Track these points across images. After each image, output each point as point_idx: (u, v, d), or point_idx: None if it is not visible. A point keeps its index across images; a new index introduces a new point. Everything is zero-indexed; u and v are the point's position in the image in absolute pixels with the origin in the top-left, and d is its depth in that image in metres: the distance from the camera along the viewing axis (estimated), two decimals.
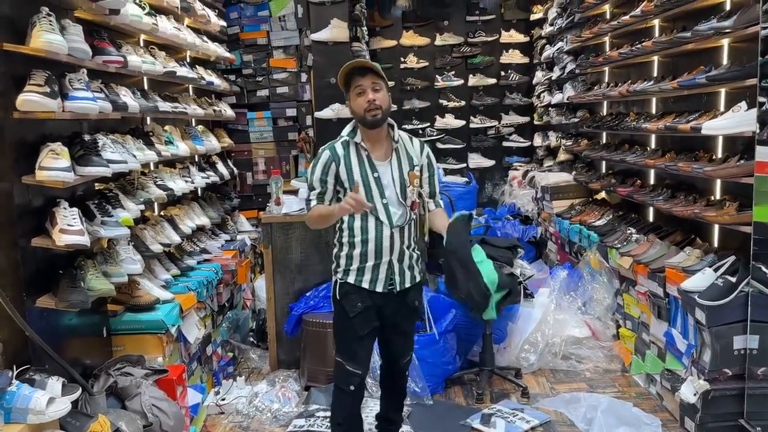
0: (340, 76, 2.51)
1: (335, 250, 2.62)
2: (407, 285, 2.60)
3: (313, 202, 2.57)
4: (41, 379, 2.22)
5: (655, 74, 4.10)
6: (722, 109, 3.34)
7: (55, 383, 2.23)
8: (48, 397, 2.12)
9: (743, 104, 2.96)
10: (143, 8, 3.25)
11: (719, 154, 3.37)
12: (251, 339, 4.37)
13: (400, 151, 2.58)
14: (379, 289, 2.55)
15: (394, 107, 6.67)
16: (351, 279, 2.55)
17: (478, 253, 2.87)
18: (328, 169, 2.53)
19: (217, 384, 3.71)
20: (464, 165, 6.81)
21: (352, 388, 2.60)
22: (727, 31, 3.01)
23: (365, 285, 2.55)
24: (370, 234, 2.52)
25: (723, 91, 3.39)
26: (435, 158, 2.76)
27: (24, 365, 2.25)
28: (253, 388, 3.59)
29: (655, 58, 4.11)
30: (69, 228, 2.37)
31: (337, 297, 2.59)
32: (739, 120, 2.94)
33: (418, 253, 2.66)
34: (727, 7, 3.23)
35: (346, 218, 2.54)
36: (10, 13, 2.35)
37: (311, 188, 2.57)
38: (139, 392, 2.59)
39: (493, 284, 3.14)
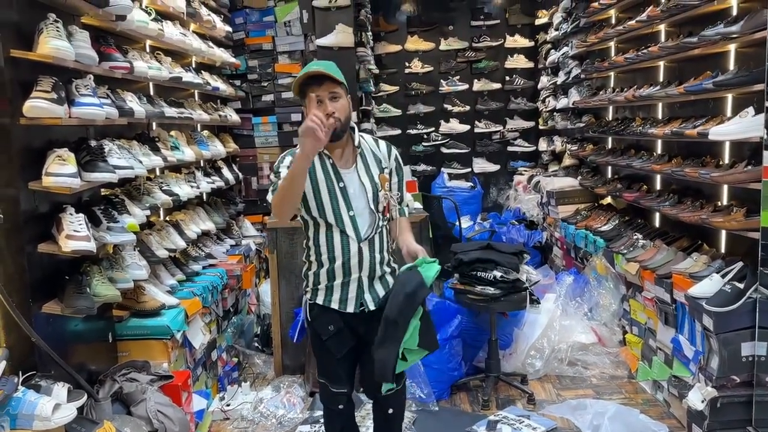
0: (294, 86, 2.27)
1: (304, 269, 2.42)
2: (380, 301, 2.35)
3: (275, 185, 2.29)
4: (47, 385, 2.22)
5: (661, 79, 4.08)
6: (729, 114, 3.33)
7: (60, 389, 2.23)
8: (54, 404, 2.12)
9: (750, 109, 2.95)
10: (149, 14, 3.26)
11: (726, 160, 3.36)
12: (256, 344, 4.36)
13: (365, 155, 2.35)
14: (350, 309, 2.34)
15: (398, 112, 6.72)
16: (320, 299, 2.36)
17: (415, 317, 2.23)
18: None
19: (222, 389, 3.70)
20: (469, 170, 6.82)
21: (340, 407, 2.48)
22: (734, 36, 3.00)
23: (334, 305, 2.34)
24: (336, 251, 2.30)
25: (730, 96, 3.37)
26: (403, 162, 2.53)
27: (30, 371, 2.25)
28: (258, 394, 3.58)
29: (661, 64, 4.10)
30: (75, 234, 2.37)
31: (308, 319, 2.41)
32: (746, 125, 2.93)
33: (395, 265, 2.43)
34: (734, 12, 3.22)
35: (311, 234, 2.35)
36: (18, 20, 2.36)
37: (276, 175, 2.29)
38: (144, 398, 2.59)
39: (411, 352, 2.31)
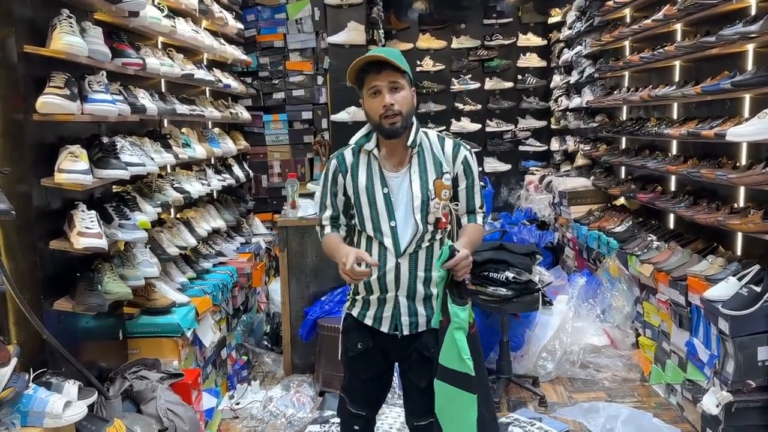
0: (350, 73, 2.02)
1: None
2: (420, 329, 2.10)
3: (327, 229, 2.16)
4: (58, 382, 2.21)
5: (677, 79, 4.03)
6: (747, 115, 3.28)
7: (71, 387, 2.22)
8: (64, 401, 2.11)
9: None
10: (162, 10, 3.25)
11: (743, 161, 3.31)
12: (265, 343, 4.35)
13: (423, 156, 2.07)
14: (384, 329, 2.10)
15: None
16: (355, 311, 2.15)
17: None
18: (336, 180, 2.12)
19: (232, 388, 3.69)
20: (480, 169, 6.76)
21: (356, 428, 2.23)
22: (753, 35, 2.95)
23: (368, 321, 2.12)
24: None
25: (747, 96, 3.32)
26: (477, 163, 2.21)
27: (41, 368, 2.24)
28: (267, 393, 3.57)
29: (677, 63, 4.05)
30: (87, 231, 2.36)
31: (341, 329, 2.23)
32: (765, 126, 2.88)
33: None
34: (753, 11, 3.16)
35: (355, 237, 2.17)
36: (31, 15, 2.35)
37: (322, 208, 2.19)
38: (154, 396, 2.58)
39: None
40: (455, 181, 2.10)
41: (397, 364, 2.26)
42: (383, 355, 2.14)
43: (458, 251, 1.91)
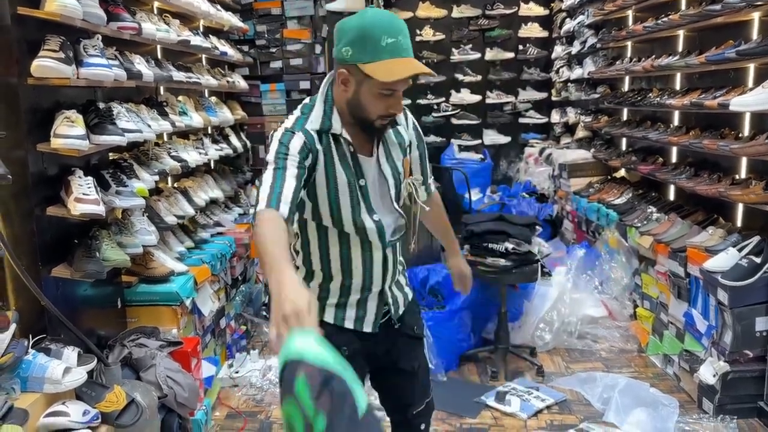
0: (371, 59, 1.58)
1: (300, 275, 1.81)
2: (401, 310, 1.91)
3: (264, 212, 1.52)
4: (57, 348, 2.21)
5: (681, 49, 3.98)
6: (751, 85, 3.25)
7: (71, 353, 2.22)
8: (64, 367, 2.11)
9: None
10: None
11: (746, 132, 3.29)
12: (264, 313, 4.35)
13: (387, 136, 1.80)
14: (368, 329, 1.84)
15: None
16: (329, 317, 1.81)
17: None
18: (306, 157, 1.64)
19: (231, 357, 3.71)
20: (479, 141, 6.72)
21: None
22: (759, 3, 2.90)
23: (348, 324, 1.82)
24: (354, 261, 1.78)
25: (752, 66, 3.29)
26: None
27: (40, 335, 2.24)
28: (266, 362, 3.59)
29: (681, 33, 4.00)
30: (84, 197, 2.34)
31: None
32: None
33: (404, 263, 1.96)
34: None
35: (311, 237, 1.77)
36: None
37: (274, 180, 1.57)
38: (153, 364, 2.58)
39: None
40: (409, 149, 1.87)
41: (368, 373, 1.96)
42: (367, 355, 1.86)
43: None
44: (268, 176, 1.58)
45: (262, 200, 1.54)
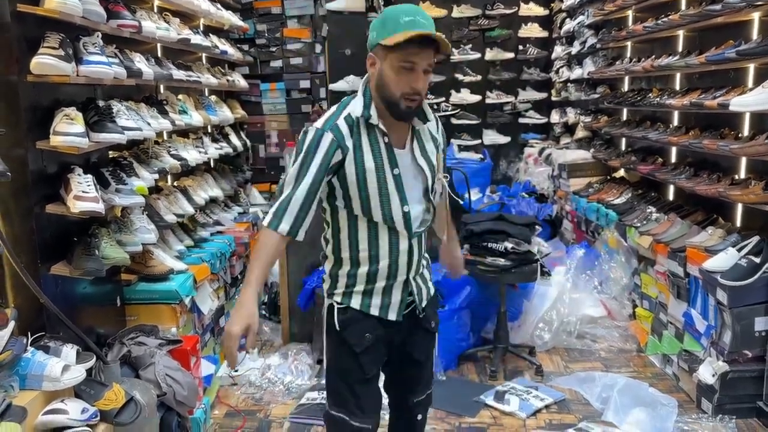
0: (389, 34, 1.67)
1: (328, 267, 1.93)
2: (424, 303, 1.97)
3: (282, 225, 1.76)
4: (56, 346, 2.20)
5: (680, 49, 3.98)
6: (751, 85, 3.25)
7: (69, 351, 2.21)
8: (63, 365, 2.11)
9: None
10: None
11: (746, 132, 3.29)
12: (263, 312, 4.35)
13: (420, 129, 1.88)
14: (392, 316, 1.90)
15: None
16: (355, 303, 1.88)
17: None
18: (331, 159, 1.76)
19: None
20: (479, 141, 6.71)
21: None
22: (759, 3, 2.91)
23: (374, 311, 1.88)
24: (381, 249, 1.85)
25: (752, 66, 3.29)
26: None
27: (38, 332, 2.23)
28: (265, 361, 3.58)
29: (681, 33, 4.00)
30: (84, 195, 2.33)
31: (337, 327, 1.89)
32: None
33: (429, 259, 2.04)
34: None
35: (342, 225, 1.86)
36: None
37: (289, 189, 1.77)
38: (153, 362, 2.57)
39: None
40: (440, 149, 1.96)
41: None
42: (387, 344, 1.94)
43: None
44: (288, 184, 1.78)
45: (272, 213, 1.79)
